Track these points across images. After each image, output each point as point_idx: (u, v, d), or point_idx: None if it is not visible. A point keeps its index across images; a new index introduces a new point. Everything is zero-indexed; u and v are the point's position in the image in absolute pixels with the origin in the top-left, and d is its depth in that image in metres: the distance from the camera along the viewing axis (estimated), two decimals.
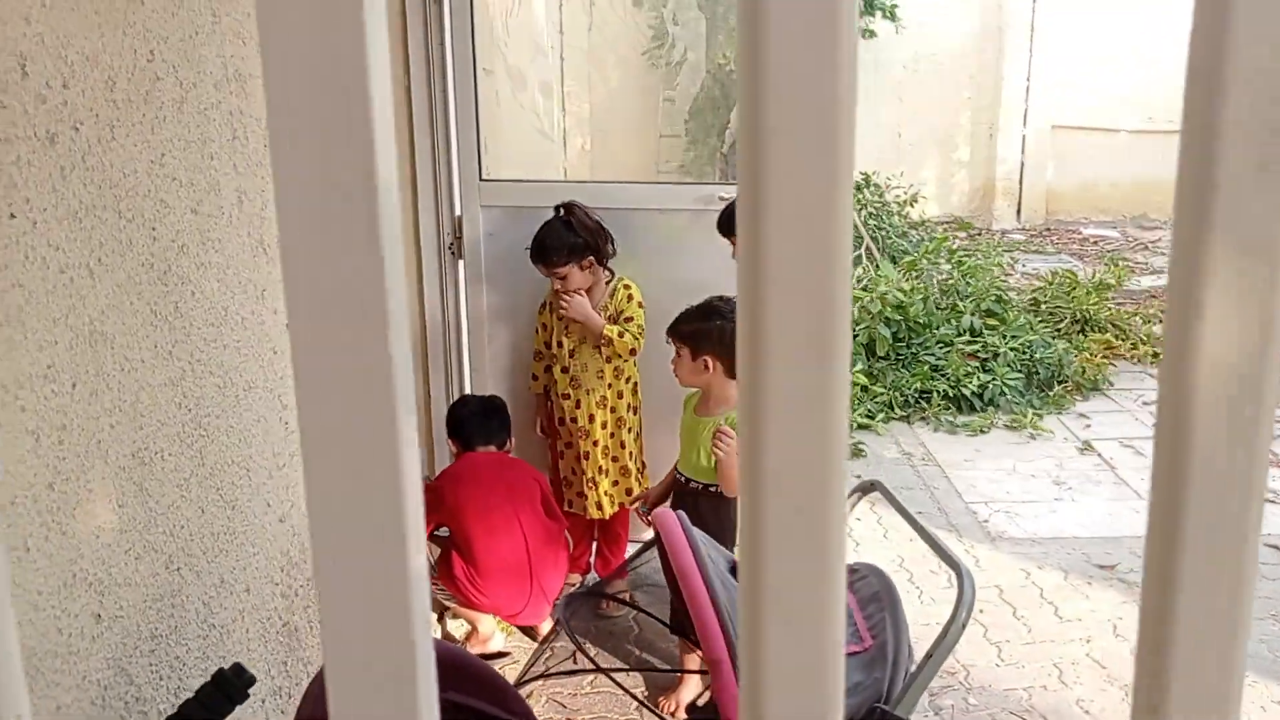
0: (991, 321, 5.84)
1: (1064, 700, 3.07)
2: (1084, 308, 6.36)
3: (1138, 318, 6.50)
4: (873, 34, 8.84)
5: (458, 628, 3.29)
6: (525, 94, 3.56)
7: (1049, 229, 9.42)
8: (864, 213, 7.77)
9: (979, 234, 9.47)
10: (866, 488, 2.17)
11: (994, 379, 5.33)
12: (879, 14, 8.72)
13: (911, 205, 8.62)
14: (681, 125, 5.57)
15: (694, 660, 2.90)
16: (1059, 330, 6.18)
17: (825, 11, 0.35)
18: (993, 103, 9.65)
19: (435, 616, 3.24)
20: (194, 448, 1.59)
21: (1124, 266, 7.21)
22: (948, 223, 9.69)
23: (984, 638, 3.36)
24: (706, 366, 2.78)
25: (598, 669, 2.02)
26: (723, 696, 1.50)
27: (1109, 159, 9.68)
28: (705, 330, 2.75)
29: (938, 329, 5.73)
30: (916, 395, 5.31)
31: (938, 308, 5.93)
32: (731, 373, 2.88)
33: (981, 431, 5.07)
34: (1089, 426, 5.13)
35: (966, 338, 5.67)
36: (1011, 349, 5.54)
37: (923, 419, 5.23)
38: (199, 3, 1.64)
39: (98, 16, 1.32)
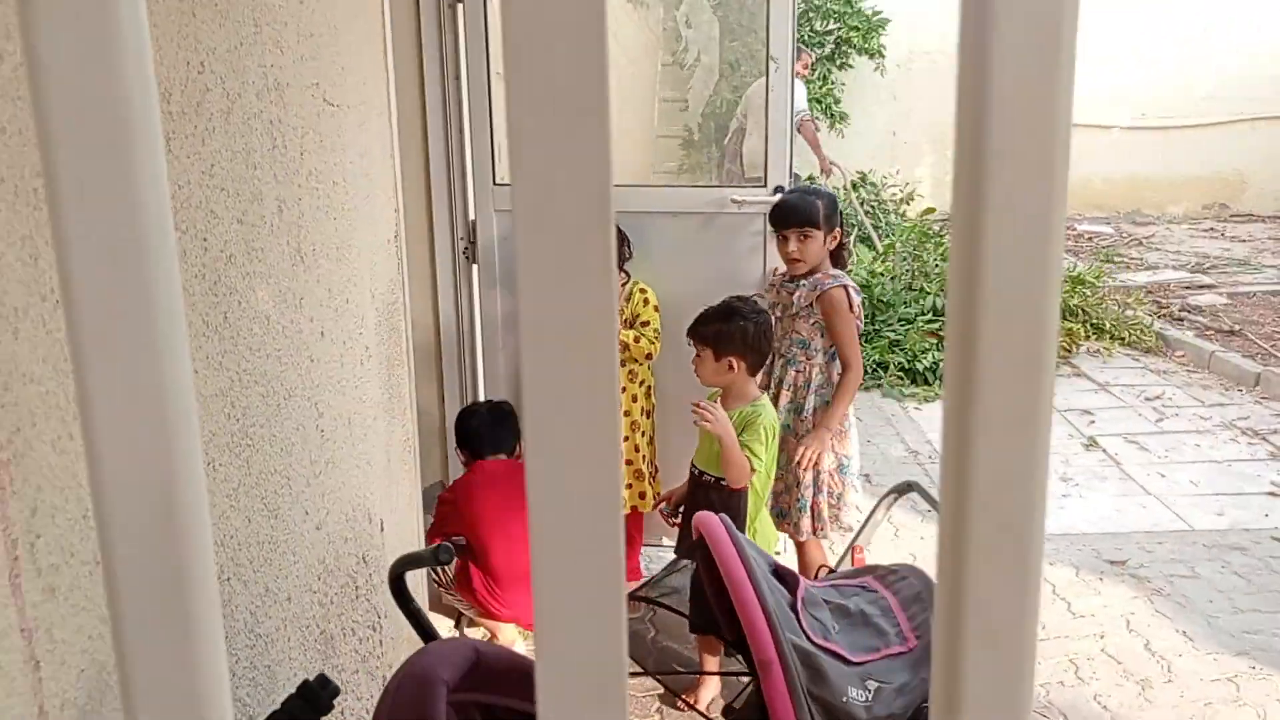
0: (932, 288, 6.21)
1: (1081, 696, 3.09)
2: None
3: (1114, 303, 6.71)
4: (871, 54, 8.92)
5: (477, 635, 3.29)
6: None
7: None
8: (863, 209, 7.81)
9: None
10: (903, 489, 2.19)
11: None
12: (865, 55, 8.83)
13: (908, 203, 8.65)
14: (681, 126, 5.58)
15: (713, 662, 2.92)
16: None
17: (1048, 36, 0.36)
18: None
19: (452, 624, 3.24)
20: (241, 457, 1.60)
21: (1098, 269, 7.32)
22: (944, 220, 9.73)
23: None
24: (731, 367, 2.80)
25: None
26: (773, 698, 1.52)
27: (1103, 155, 9.72)
28: (728, 331, 2.77)
29: (901, 308, 6.09)
30: (873, 366, 5.69)
31: (907, 289, 6.26)
32: (753, 371, 2.90)
33: (927, 401, 5.56)
34: (1093, 423, 5.17)
35: (929, 316, 6.00)
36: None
37: (877, 387, 5.65)
38: (243, 13, 1.64)
39: (155, 30, 1.32)
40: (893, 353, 5.80)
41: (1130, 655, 3.27)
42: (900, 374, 5.71)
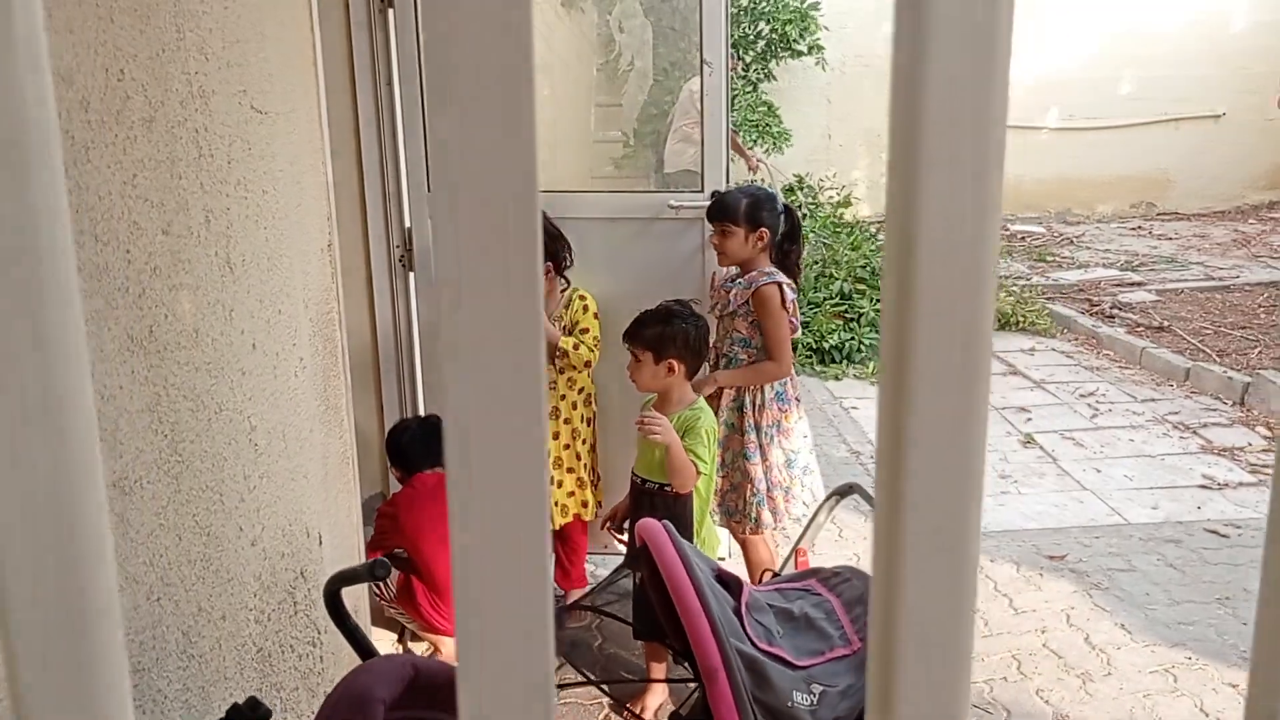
0: (861, 288, 6.49)
1: (1024, 691, 3.13)
2: None
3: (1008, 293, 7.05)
4: (805, 52, 8.95)
5: (421, 649, 3.25)
6: None
7: None
8: (813, 219, 7.87)
9: None
10: (844, 490, 2.19)
11: (854, 337, 6.20)
12: (802, 55, 8.89)
13: (845, 207, 8.73)
14: (617, 131, 5.57)
15: (660, 669, 2.91)
16: None
17: (983, 39, 0.35)
18: None
19: (396, 637, 3.19)
20: (171, 474, 1.55)
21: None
22: (879, 223, 9.83)
23: None
24: (671, 370, 2.79)
25: (559, 686, 2.00)
26: (719, 704, 1.51)
27: (1034, 156, 9.90)
28: (669, 334, 2.76)
29: (811, 293, 6.42)
30: None
31: (819, 276, 6.57)
32: (691, 374, 2.89)
33: (836, 379, 6.02)
34: (1030, 420, 5.25)
35: (836, 300, 6.40)
36: (877, 311, 6.01)
37: None
38: (165, 19, 1.60)
39: (72, 35, 1.28)
40: (802, 333, 6.07)
41: (1071, 649, 3.32)
42: (809, 353, 6.13)
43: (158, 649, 1.46)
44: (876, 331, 6.20)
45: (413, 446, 3.18)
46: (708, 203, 3.16)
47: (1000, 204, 0.38)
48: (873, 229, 9.04)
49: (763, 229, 2.98)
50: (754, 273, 3.02)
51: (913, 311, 0.38)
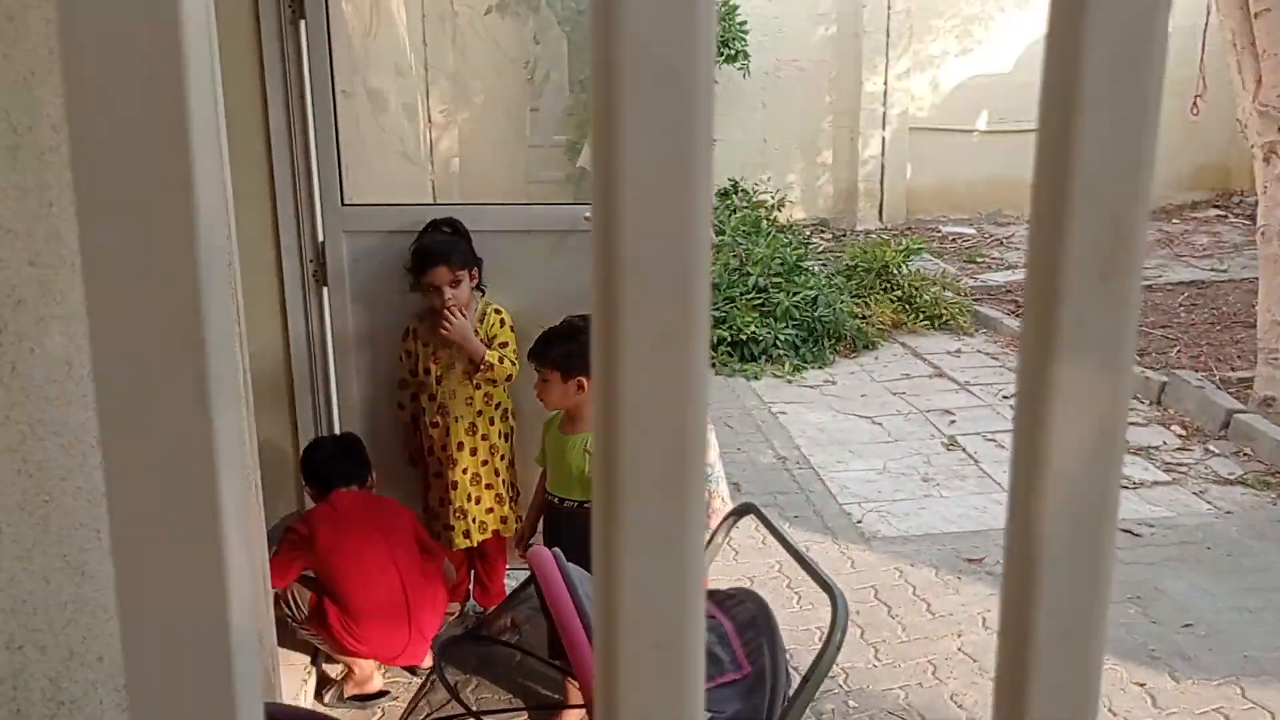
0: (777, 281, 6.61)
1: (938, 696, 3.17)
2: (886, 272, 7.17)
3: (928, 292, 7.14)
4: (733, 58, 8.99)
5: (334, 670, 3.20)
6: (387, 116, 3.50)
7: (910, 228, 9.71)
8: (734, 218, 7.90)
9: (844, 235, 9.70)
10: (741, 511, 2.20)
11: (770, 330, 6.29)
12: (729, 61, 8.92)
13: (779, 209, 8.78)
14: (550, 137, 5.56)
15: (576, 693, 2.90)
16: (859, 296, 6.98)
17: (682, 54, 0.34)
18: (853, 107, 9.89)
19: (309, 659, 3.15)
20: (37, 515, 1.51)
21: (902, 256, 7.58)
22: (814, 225, 9.91)
23: (861, 638, 3.44)
24: (580, 387, 2.78)
25: (475, 714, 1.99)
26: None
27: (964, 159, 10.04)
28: (576, 351, 2.75)
29: (727, 290, 6.54)
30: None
31: (735, 272, 6.70)
32: None
33: (755, 378, 6.02)
34: (954, 423, 5.31)
35: (752, 294, 6.53)
36: (794, 305, 6.40)
37: (709, 365, 5.89)
38: (35, 40, 1.56)
39: None
40: (718, 328, 6.23)
41: (986, 653, 3.36)
42: (728, 348, 6.22)
43: (20, 699, 1.42)
44: (791, 325, 6.34)
45: (328, 464, 3.14)
46: None
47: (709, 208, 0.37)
48: (806, 231, 9.12)
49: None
50: None
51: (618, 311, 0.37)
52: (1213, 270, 8.08)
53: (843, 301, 6.69)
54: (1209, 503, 4.37)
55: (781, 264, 6.78)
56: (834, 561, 3.94)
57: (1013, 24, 9.84)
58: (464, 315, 3.11)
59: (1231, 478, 4.59)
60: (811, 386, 5.92)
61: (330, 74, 3.29)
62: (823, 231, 9.82)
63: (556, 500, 2.89)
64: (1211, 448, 4.88)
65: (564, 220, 3.32)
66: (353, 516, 3.03)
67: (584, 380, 2.76)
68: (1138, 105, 0.37)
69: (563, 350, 2.75)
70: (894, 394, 5.74)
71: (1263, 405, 5.02)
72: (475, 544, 3.29)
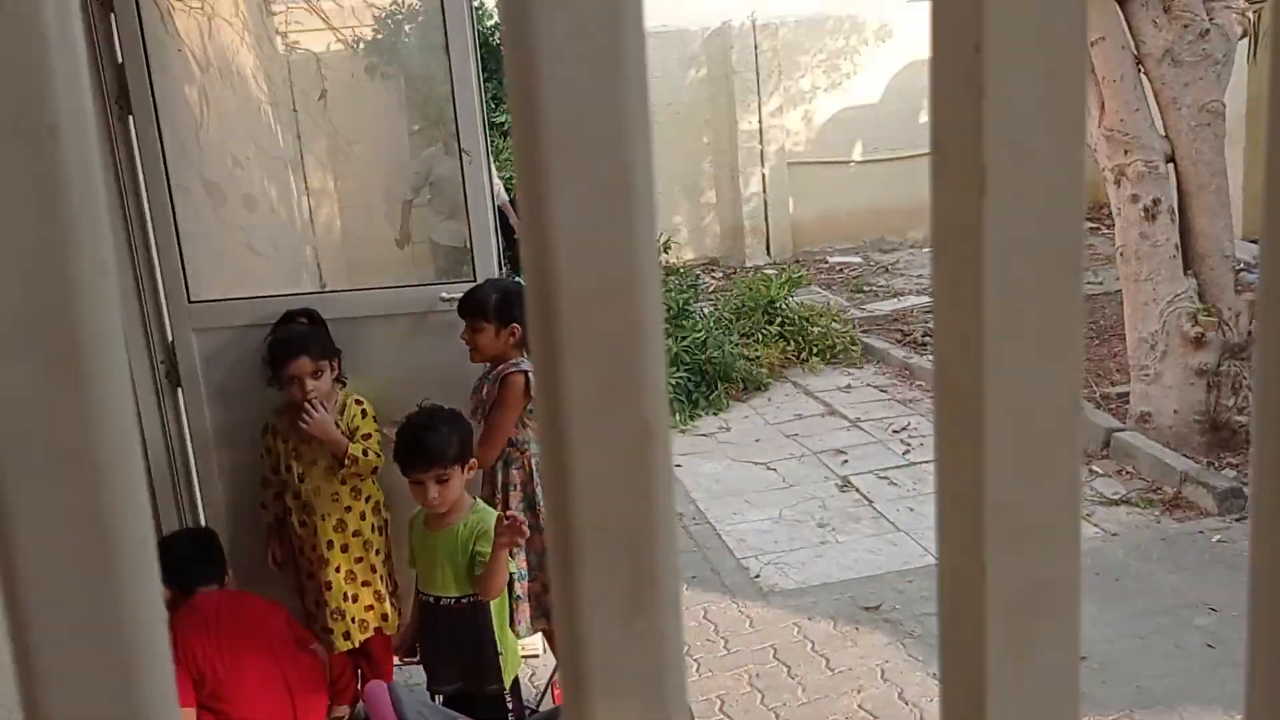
0: (665, 327, 6.28)
1: None
2: (773, 308, 7.15)
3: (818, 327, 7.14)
4: None
5: None
6: (225, 209, 3.38)
7: (798, 260, 9.81)
8: None
9: (734, 272, 9.76)
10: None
11: None
12: None
13: (666, 251, 8.79)
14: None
15: None
16: (749, 335, 6.93)
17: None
18: (731, 145, 9.99)
19: None
20: None
21: (787, 288, 7.68)
22: (704, 264, 9.96)
23: (762, 704, 3.39)
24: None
25: None
26: None
27: (843, 190, 10.19)
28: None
29: None
30: None
31: None
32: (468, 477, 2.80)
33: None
34: (846, 462, 5.32)
35: None
36: (683, 350, 6.34)
37: None
38: None
39: None
40: None
41: (886, 707, 3.33)
42: None
43: None
44: (683, 369, 6.27)
45: (188, 563, 2.96)
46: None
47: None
48: (696, 272, 9.15)
49: (514, 324, 2.91)
50: (503, 365, 2.96)
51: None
52: (1088, 283, 8.30)
53: (732, 342, 6.69)
54: (1095, 525, 4.43)
55: (669, 309, 6.76)
56: (733, 622, 3.88)
57: (876, 56, 10.06)
58: (325, 408, 2.99)
59: (1116, 498, 4.67)
60: (705, 435, 5.89)
61: (164, 168, 3.16)
62: (713, 270, 9.87)
63: (431, 599, 2.78)
64: (1095, 468, 4.97)
65: (422, 301, 3.23)
66: (222, 618, 2.87)
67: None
68: None
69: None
70: (787, 436, 5.73)
71: (1139, 421, 5.13)
72: (357, 644, 3.15)
